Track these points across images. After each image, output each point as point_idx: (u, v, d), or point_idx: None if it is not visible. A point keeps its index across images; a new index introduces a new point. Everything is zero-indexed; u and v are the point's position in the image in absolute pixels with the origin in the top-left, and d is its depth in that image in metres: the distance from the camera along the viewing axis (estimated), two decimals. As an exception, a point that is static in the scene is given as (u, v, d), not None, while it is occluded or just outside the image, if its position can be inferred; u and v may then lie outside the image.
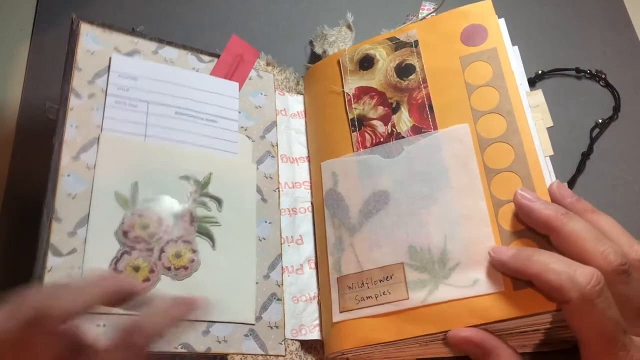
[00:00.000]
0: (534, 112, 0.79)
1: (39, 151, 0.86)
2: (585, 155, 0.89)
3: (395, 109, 0.83)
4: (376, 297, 0.75)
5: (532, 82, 0.94)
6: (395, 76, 0.85)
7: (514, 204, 0.72)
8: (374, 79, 0.86)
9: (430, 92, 0.82)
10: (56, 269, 0.67)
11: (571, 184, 0.88)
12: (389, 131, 0.82)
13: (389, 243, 0.77)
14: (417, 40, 0.86)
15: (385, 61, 0.86)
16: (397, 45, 0.87)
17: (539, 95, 0.83)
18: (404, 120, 0.82)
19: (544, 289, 0.66)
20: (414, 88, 0.83)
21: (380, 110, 0.84)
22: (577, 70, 0.94)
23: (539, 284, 0.66)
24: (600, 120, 0.91)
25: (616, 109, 0.92)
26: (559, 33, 0.98)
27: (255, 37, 0.94)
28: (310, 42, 0.99)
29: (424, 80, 0.83)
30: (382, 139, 0.82)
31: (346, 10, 0.98)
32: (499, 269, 0.69)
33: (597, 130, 0.91)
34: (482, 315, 0.69)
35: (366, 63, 0.87)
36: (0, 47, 0.98)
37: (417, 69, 0.84)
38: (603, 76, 0.93)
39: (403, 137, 0.81)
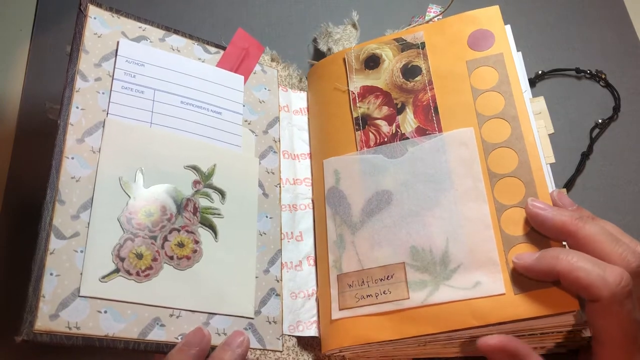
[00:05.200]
0: (536, 119, 0.80)
1: (39, 151, 0.86)
2: (585, 156, 0.89)
3: (400, 110, 0.83)
4: (376, 296, 0.74)
5: (532, 83, 0.94)
6: (401, 77, 0.85)
7: (526, 214, 0.72)
8: (380, 79, 0.86)
9: (435, 95, 0.83)
10: (58, 251, 0.67)
11: (571, 184, 0.88)
12: (394, 131, 0.82)
13: (391, 243, 0.77)
14: (423, 42, 0.86)
15: (392, 62, 0.87)
16: (404, 46, 0.87)
17: (541, 102, 0.83)
18: (408, 121, 0.82)
19: (571, 288, 0.66)
20: (420, 90, 0.84)
21: (385, 110, 0.84)
22: (577, 70, 0.94)
23: (566, 282, 0.65)
24: (600, 120, 0.91)
25: (616, 109, 0.92)
26: (559, 33, 0.98)
27: (257, 34, 0.94)
28: (314, 40, 1.00)
29: (430, 82, 0.84)
30: (386, 139, 0.82)
31: (349, 8, 0.99)
32: (525, 274, 0.69)
33: (597, 130, 0.91)
34: (482, 317, 0.69)
35: (372, 62, 0.88)
36: (0, 47, 0.98)
37: (424, 71, 0.85)
38: (603, 76, 0.94)
39: (407, 138, 0.81)
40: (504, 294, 0.69)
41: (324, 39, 0.97)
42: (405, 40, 0.88)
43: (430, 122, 0.81)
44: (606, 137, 0.91)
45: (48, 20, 1.00)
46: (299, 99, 0.93)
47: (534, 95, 0.91)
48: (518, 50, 0.84)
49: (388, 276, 0.75)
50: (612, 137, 0.91)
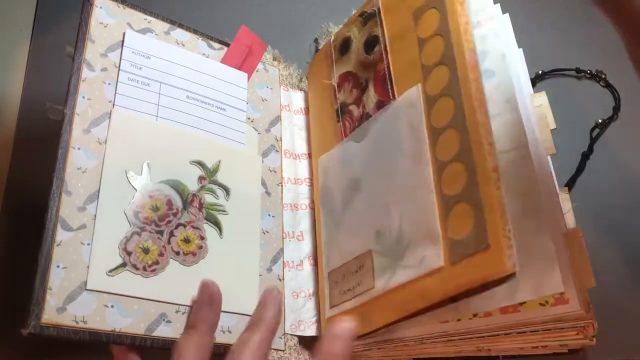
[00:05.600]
0: (537, 110, 0.79)
1: (39, 151, 0.86)
2: (585, 155, 0.89)
3: (364, 88, 0.81)
4: (353, 289, 0.73)
5: (533, 83, 0.94)
6: (364, 53, 0.83)
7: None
8: (350, 61, 0.85)
9: (390, 61, 0.78)
10: (65, 243, 0.66)
11: (571, 183, 0.88)
12: (361, 113, 0.80)
13: (360, 231, 0.75)
14: (379, 8, 0.82)
15: (357, 39, 0.85)
16: (366, 18, 0.84)
17: (542, 97, 0.83)
18: (370, 97, 0.80)
19: None
20: (378, 61, 0.80)
21: (355, 93, 0.82)
22: (577, 70, 0.95)
23: None
24: (600, 120, 0.91)
25: (616, 109, 0.92)
26: (559, 33, 0.99)
27: (257, 34, 0.94)
28: (316, 40, 1.00)
29: (385, 50, 0.79)
30: (357, 123, 0.81)
31: (349, 8, 0.98)
32: None
33: (597, 130, 0.91)
34: (426, 296, 0.65)
35: (344, 48, 0.86)
36: (0, 47, 0.98)
37: (380, 39, 0.81)
38: (603, 76, 0.94)
39: (370, 116, 0.79)
40: (442, 267, 0.64)
41: (325, 39, 0.97)
42: (367, 12, 0.84)
43: (386, 92, 0.77)
44: (606, 137, 0.91)
45: (48, 20, 1.00)
46: (299, 99, 0.93)
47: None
48: (519, 48, 0.84)
49: (360, 267, 0.73)
50: (612, 137, 0.91)
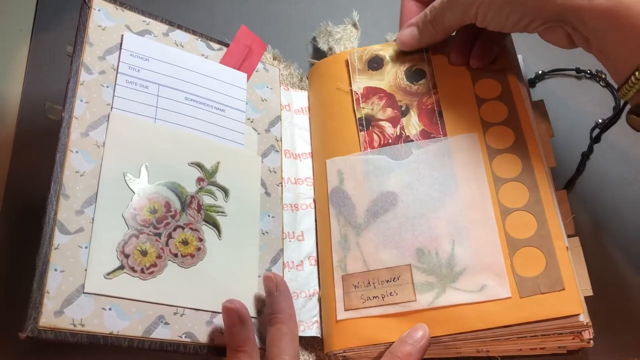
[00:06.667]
0: (538, 123, 0.80)
1: (39, 151, 0.86)
2: (586, 156, 0.89)
3: (404, 112, 0.84)
4: (383, 297, 0.74)
5: (532, 83, 0.94)
6: (405, 80, 0.86)
7: None
8: (383, 80, 0.86)
9: (440, 99, 0.83)
10: (63, 247, 0.66)
11: (571, 184, 0.88)
12: (398, 133, 0.82)
13: (397, 244, 0.77)
14: (428, 48, 0.87)
15: (395, 64, 0.87)
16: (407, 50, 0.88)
17: (542, 106, 0.83)
18: (413, 123, 0.82)
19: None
20: (424, 93, 0.84)
21: (389, 112, 0.84)
22: (577, 70, 0.94)
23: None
24: (600, 120, 0.91)
25: (616, 109, 0.92)
26: (560, 33, 0.98)
27: (257, 34, 0.94)
28: (314, 39, 0.99)
29: (434, 87, 0.84)
30: (390, 141, 0.82)
31: (349, 8, 0.99)
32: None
33: (597, 130, 0.91)
34: (489, 320, 0.70)
35: (375, 64, 0.88)
36: (0, 47, 0.98)
37: (428, 75, 0.85)
38: (603, 76, 0.94)
39: (412, 141, 0.81)
40: (510, 297, 0.70)
41: (323, 37, 0.97)
42: None
43: (434, 125, 0.82)
44: (606, 137, 0.91)
45: (48, 20, 1.00)
46: (300, 98, 0.93)
47: (534, 94, 0.91)
48: (518, 54, 0.84)
49: (394, 278, 0.75)
50: (612, 137, 0.91)
